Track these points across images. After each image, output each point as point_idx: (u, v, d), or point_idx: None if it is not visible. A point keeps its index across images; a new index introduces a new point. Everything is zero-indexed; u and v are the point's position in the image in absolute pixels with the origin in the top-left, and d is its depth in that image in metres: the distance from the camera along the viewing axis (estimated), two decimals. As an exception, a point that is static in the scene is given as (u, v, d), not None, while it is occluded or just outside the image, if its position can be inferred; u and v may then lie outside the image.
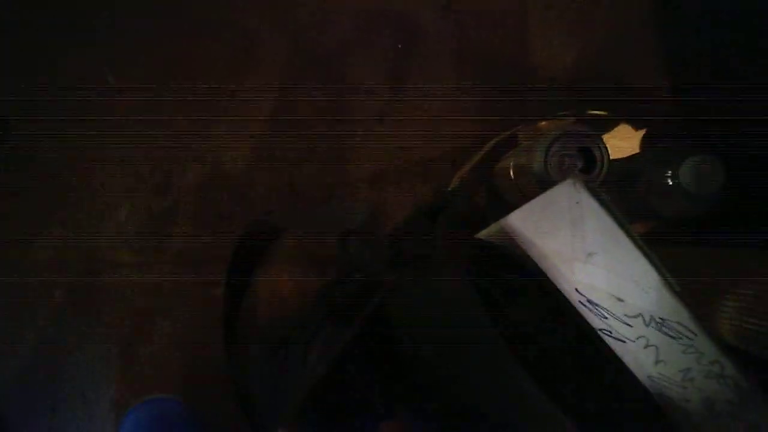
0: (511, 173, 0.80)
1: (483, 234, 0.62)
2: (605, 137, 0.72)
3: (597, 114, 0.87)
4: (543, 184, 0.70)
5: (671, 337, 0.55)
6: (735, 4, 0.78)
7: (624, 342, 0.56)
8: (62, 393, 0.90)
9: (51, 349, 0.90)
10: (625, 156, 0.81)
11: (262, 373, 0.80)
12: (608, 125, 0.85)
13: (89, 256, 0.91)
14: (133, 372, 0.90)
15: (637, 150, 0.83)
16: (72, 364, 0.90)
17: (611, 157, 0.71)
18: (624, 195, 0.75)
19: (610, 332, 0.57)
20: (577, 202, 0.56)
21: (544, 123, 0.88)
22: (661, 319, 0.55)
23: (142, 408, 0.85)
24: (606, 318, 0.56)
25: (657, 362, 0.55)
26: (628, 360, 0.56)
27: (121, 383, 0.90)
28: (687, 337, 0.54)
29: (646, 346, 0.56)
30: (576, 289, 0.57)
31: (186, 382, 0.90)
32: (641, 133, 0.84)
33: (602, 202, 0.56)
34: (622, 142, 0.83)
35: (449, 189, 0.88)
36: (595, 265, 0.56)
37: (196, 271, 0.90)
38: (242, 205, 0.91)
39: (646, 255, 0.55)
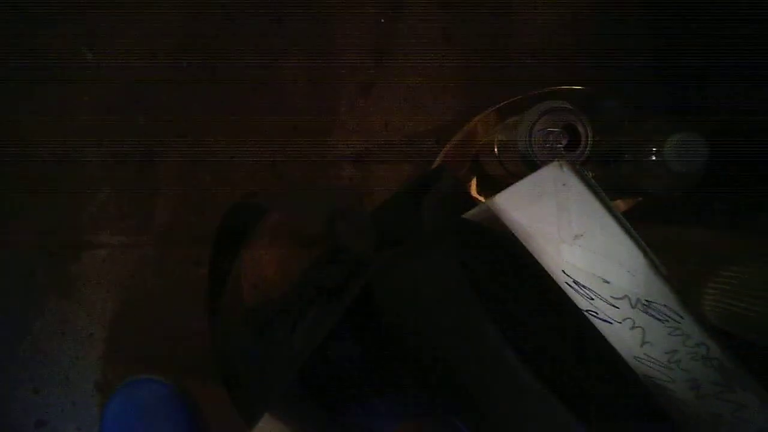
0: (495, 150, 0.80)
1: (469, 214, 0.62)
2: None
3: (581, 89, 0.86)
4: (527, 161, 0.70)
5: (657, 319, 0.55)
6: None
7: (610, 323, 0.56)
8: (45, 376, 0.89)
9: (32, 331, 0.89)
10: (608, 132, 0.81)
11: (247, 356, 0.79)
12: (592, 101, 0.85)
13: (70, 236, 0.90)
14: (116, 354, 0.90)
15: (621, 126, 0.83)
16: (54, 345, 0.90)
17: (595, 134, 0.71)
18: (608, 172, 0.75)
19: (597, 313, 0.57)
20: (564, 184, 0.55)
21: (527, 99, 0.87)
22: (647, 301, 0.55)
23: (127, 390, 0.85)
24: (592, 299, 0.56)
25: (643, 344, 0.56)
26: (614, 341, 0.57)
27: (105, 365, 0.90)
28: (673, 319, 0.54)
29: (633, 328, 0.56)
30: (563, 271, 0.57)
31: (170, 364, 0.89)
32: (625, 108, 0.84)
33: (589, 184, 0.55)
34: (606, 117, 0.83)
35: (433, 166, 0.88)
36: (581, 247, 0.56)
37: (179, 251, 0.90)
38: (224, 185, 0.90)
39: (632, 237, 0.55)
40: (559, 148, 0.69)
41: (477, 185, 0.87)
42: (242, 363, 0.79)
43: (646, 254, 0.55)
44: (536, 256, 0.58)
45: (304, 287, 0.77)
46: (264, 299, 0.88)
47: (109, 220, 0.90)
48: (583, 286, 0.56)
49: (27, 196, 0.89)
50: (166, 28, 0.90)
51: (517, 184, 0.58)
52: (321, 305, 0.71)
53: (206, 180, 0.90)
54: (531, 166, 0.69)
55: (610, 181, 0.73)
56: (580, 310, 0.57)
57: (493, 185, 0.84)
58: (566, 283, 0.57)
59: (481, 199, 0.86)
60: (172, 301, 0.90)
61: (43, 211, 0.89)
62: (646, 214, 0.67)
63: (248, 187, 0.90)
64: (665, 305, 0.54)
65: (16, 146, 0.89)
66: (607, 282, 0.56)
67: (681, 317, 0.54)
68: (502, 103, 0.88)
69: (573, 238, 0.56)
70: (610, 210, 0.55)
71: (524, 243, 0.58)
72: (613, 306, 0.56)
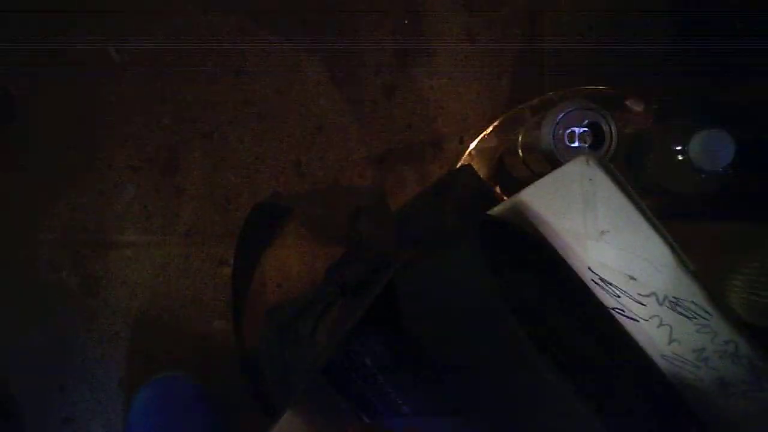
0: (519, 150, 0.80)
1: (494, 211, 0.62)
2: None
3: (605, 90, 0.86)
4: (551, 160, 0.70)
5: (685, 316, 0.54)
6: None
7: (637, 321, 0.56)
8: (71, 373, 0.90)
9: (59, 330, 0.90)
10: (633, 131, 0.80)
11: (271, 353, 0.80)
12: (617, 101, 0.85)
13: (96, 235, 0.90)
14: (141, 352, 0.90)
15: (646, 125, 0.83)
16: (80, 344, 0.90)
17: (620, 133, 0.70)
18: (633, 171, 0.75)
19: (623, 311, 0.57)
20: (590, 179, 0.55)
21: (551, 98, 0.87)
22: (675, 298, 0.54)
23: (153, 386, 0.85)
24: (619, 297, 0.56)
25: (671, 342, 0.55)
26: (642, 339, 0.56)
27: (130, 364, 0.90)
28: (701, 316, 0.54)
29: (660, 326, 0.55)
30: (588, 268, 0.57)
31: (195, 362, 0.90)
32: (650, 108, 0.84)
33: (615, 179, 0.55)
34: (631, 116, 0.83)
35: (458, 166, 0.88)
36: (607, 243, 0.56)
37: (204, 250, 0.90)
38: (249, 185, 0.90)
39: (659, 233, 0.55)
40: (584, 146, 0.69)
41: (501, 186, 0.87)
42: (266, 361, 0.79)
43: (673, 250, 0.54)
44: (562, 253, 0.58)
45: (327, 285, 0.77)
46: (288, 298, 0.89)
47: (134, 220, 0.91)
48: (610, 284, 0.56)
49: (52, 194, 0.90)
50: (192, 28, 0.90)
51: (542, 179, 0.58)
52: (344, 303, 0.71)
53: (230, 179, 0.90)
54: (555, 165, 0.69)
55: (635, 180, 0.72)
56: (607, 307, 0.57)
57: (517, 186, 0.84)
58: (592, 280, 0.57)
59: (506, 198, 0.86)
60: (196, 300, 0.90)
61: (69, 210, 0.90)
62: (672, 213, 0.67)
63: (273, 186, 0.90)
64: (693, 302, 0.54)
65: (44, 145, 0.90)
66: (634, 279, 0.55)
67: (709, 314, 0.54)
68: (526, 103, 0.88)
69: (599, 234, 0.56)
70: (638, 205, 0.55)
71: (550, 240, 0.58)
72: (640, 303, 0.55)
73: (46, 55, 0.90)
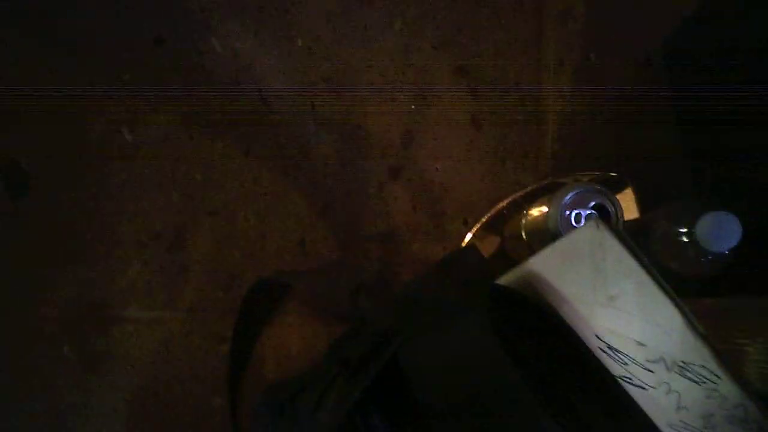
0: (523, 233, 0.81)
1: (502, 280, 0.62)
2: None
3: (608, 175, 0.88)
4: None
5: (694, 381, 0.54)
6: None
7: (645, 389, 0.56)
8: (67, 450, 0.88)
9: (58, 405, 0.89)
10: (637, 215, 0.81)
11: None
12: (619, 186, 0.86)
13: (99, 311, 0.90)
14: (141, 429, 0.89)
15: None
16: (79, 420, 0.89)
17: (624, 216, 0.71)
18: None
19: (631, 379, 0.56)
20: (600, 244, 0.56)
21: (555, 182, 0.89)
22: (683, 362, 0.54)
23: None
24: (626, 364, 0.56)
25: (679, 409, 0.55)
26: (649, 408, 0.56)
27: (129, 440, 0.89)
28: (711, 381, 0.54)
29: (668, 392, 0.55)
30: (596, 335, 0.57)
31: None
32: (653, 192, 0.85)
33: (625, 243, 0.56)
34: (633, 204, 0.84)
35: (460, 248, 0.89)
36: (616, 308, 0.56)
37: (206, 327, 0.90)
38: (253, 263, 0.91)
39: (669, 296, 0.55)
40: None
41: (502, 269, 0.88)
42: (264, 440, 0.78)
43: (683, 313, 0.55)
44: (570, 321, 0.58)
45: (328, 362, 0.76)
46: (287, 376, 0.88)
47: (138, 296, 0.91)
48: (618, 351, 0.56)
49: (59, 269, 0.91)
50: (203, 108, 0.92)
51: (552, 245, 0.58)
52: (346, 380, 0.70)
53: (235, 257, 0.91)
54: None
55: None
56: (615, 376, 0.57)
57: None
58: (600, 348, 0.57)
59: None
60: (196, 378, 0.89)
61: (74, 285, 0.90)
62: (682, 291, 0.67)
63: (277, 264, 0.91)
64: (703, 365, 0.54)
65: (53, 219, 0.91)
66: (643, 345, 0.55)
67: (719, 378, 0.53)
68: (529, 188, 0.89)
69: (608, 299, 0.56)
70: (647, 269, 0.55)
71: (558, 307, 0.58)
72: (648, 370, 0.55)
73: (60, 132, 0.92)
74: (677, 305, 0.55)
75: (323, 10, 0.94)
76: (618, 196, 0.84)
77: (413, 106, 0.93)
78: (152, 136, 0.93)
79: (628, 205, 0.85)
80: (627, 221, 0.73)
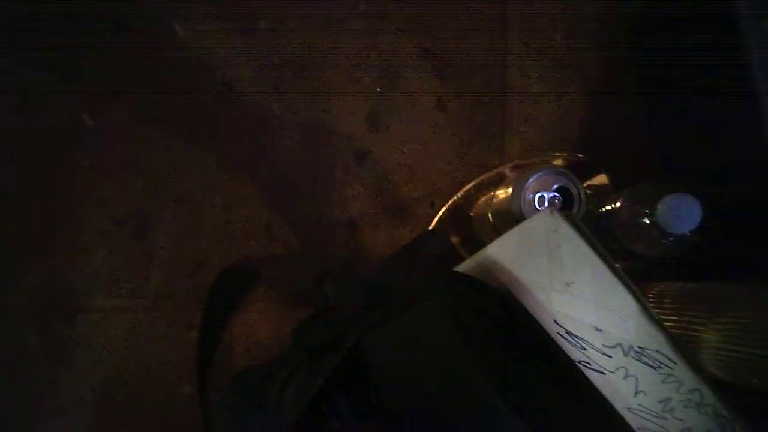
0: (489, 215, 0.81)
1: (461, 267, 0.62)
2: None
3: (572, 158, 0.88)
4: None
5: (650, 366, 0.54)
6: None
7: (603, 373, 0.56)
8: (33, 441, 0.88)
9: (24, 396, 0.88)
10: (601, 197, 0.81)
11: (237, 420, 0.78)
12: (585, 168, 0.86)
13: (64, 300, 0.89)
14: (109, 419, 0.88)
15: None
16: (45, 410, 0.88)
17: (588, 198, 0.71)
18: (600, 235, 0.75)
19: (590, 364, 0.56)
20: (555, 230, 0.56)
21: (520, 164, 0.89)
22: (639, 348, 0.54)
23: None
24: (585, 349, 0.56)
25: (637, 393, 0.55)
26: (609, 392, 0.56)
27: (98, 430, 0.88)
28: (666, 365, 0.54)
29: (626, 377, 0.55)
30: (555, 321, 0.57)
31: (163, 428, 0.88)
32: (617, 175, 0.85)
33: (580, 230, 0.56)
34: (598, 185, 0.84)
35: (427, 230, 0.88)
36: (573, 295, 0.56)
37: (172, 315, 0.89)
38: (219, 249, 0.90)
39: (623, 282, 0.55)
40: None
41: (471, 251, 0.88)
42: (232, 428, 0.77)
43: (637, 299, 0.55)
44: (528, 307, 0.57)
45: (293, 348, 0.76)
46: (255, 362, 0.87)
47: (103, 284, 0.90)
48: (576, 336, 0.56)
49: (21, 259, 0.90)
50: (166, 96, 0.91)
51: (507, 233, 0.58)
52: (310, 365, 0.70)
53: (201, 243, 0.90)
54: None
55: (603, 245, 0.73)
56: (574, 360, 0.57)
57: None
58: (558, 333, 0.57)
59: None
60: (164, 365, 0.89)
61: (37, 274, 0.89)
62: (640, 276, 0.67)
63: (243, 250, 0.90)
64: (658, 350, 0.54)
65: (14, 208, 0.90)
66: (600, 330, 0.55)
67: (674, 362, 0.54)
68: (495, 170, 0.89)
69: (564, 285, 0.56)
70: (602, 255, 0.55)
71: (516, 294, 0.58)
72: (606, 355, 0.55)
73: (20, 118, 0.91)
74: (632, 291, 0.55)
75: (287, -8, 0.92)
76: (593, 180, 0.85)
77: (378, 89, 0.92)
78: (114, 121, 0.91)
79: (603, 188, 0.85)
80: (592, 202, 0.73)
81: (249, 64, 0.92)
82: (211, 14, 0.92)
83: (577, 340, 0.56)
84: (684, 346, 0.54)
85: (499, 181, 0.88)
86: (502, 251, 0.58)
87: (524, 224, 0.58)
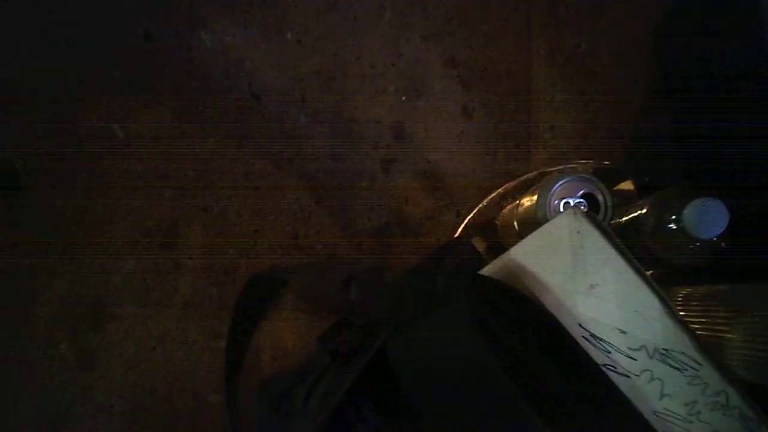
0: (515, 223, 0.81)
1: (485, 271, 0.61)
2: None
3: (598, 164, 0.87)
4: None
5: (676, 368, 0.54)
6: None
7: (629, 377, 0.55)
8: (63, 448, 0.89)
9: (54, 403, 0.89)
10: (627, 203, 0.81)
11: (264, 427, 0.78)
12: (611, 177, 0.86)
13: (94, 309, 0.91)
14: (137, 427, 0.89)
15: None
16: (75, 417, 0.89)
17: (614, 204, 0.71)
18: (627, 242, 0.75)
19: (615, 368, 0.56)
20: (578, 232, 0.56)
21: (546, 171, 0.88)
22: (665, 350, 0.54)
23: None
24: (609, 353, 0.55)
25: (662, 396, 0.54)
26: (634, 396, 0.55)
27: (124, 437, 0.89)
28: (692, 367, 0.53)
29: (651, 380, 0.55)
30: (579, 324, 0.56)
31: (190, 436, 0.89)
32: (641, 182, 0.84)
33: (603, 231, 0.55)
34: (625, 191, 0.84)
35: (453, 238, 0.88)
36: (597, 297, 0.55)
37: (201, 323, 0.90)
38: (246, 258, 0.91)
39: (648, 284, 0.54)
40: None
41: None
42: (259, 434, 0.78)
43: (662, 300, 0.54)
44: (552, 310, 0.57)
45: (319, 354, 0.76)
46: (282, 370, 0.88)
47: (132, 293, 0.91)
48: (600, 339, 0.56)
49: (53, 268, 0.91)
50: (194, 105, 0.92)
51: (531, 235, 0.58)
52: (335, 371, 0.70)
53: (229, 253, 0.91)
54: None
55: (630, 251, 0.72)
56: (598, 364, 0.56)
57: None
58: (583, 336, 0.56)
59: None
60: (192, 374, 0.90)
61: (68, 284, 0.91)
62: (667, 281, 0.66)
63: (270, 259, 0.91)
64: (683, 352, 0.53)
65: (45, 218, 0.91)
66: (624, 332, 0.55)
67: (700, 364, 0.53)
68: (521, 178, 0.89)
69: (588, 287, 0.55)
70: (626, 256, 0.55)
71: (540, 296, 0.58)
72: (631, 358, 0.55)
73: (51, 129, 0.92)
74: (656, 292, 0.54)
75: (312, 2, 0.93)
76: (618, 186, 0.84)
77: (404, 98, 0.92)
78: (144, 132, 0.93)
79: (628, 194, 0.84)
80: (619, 208, 0.73)
81: (276, 74, 0.93)
82: (238, 25, 0.93)
83: (601, 343, 0.55)
84: (709, 347, 0.54)
85: (525, 189, 0.88)
86: (526, 253, 0.58)
87: (547, 225, 0.58)
